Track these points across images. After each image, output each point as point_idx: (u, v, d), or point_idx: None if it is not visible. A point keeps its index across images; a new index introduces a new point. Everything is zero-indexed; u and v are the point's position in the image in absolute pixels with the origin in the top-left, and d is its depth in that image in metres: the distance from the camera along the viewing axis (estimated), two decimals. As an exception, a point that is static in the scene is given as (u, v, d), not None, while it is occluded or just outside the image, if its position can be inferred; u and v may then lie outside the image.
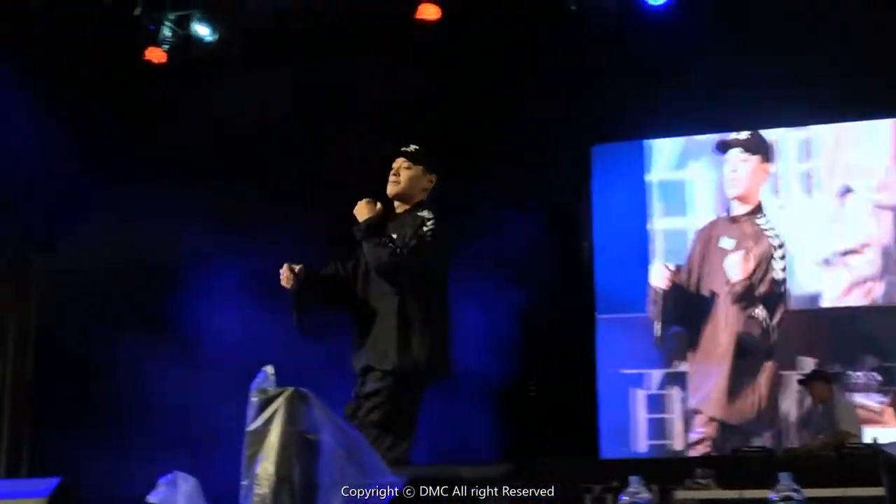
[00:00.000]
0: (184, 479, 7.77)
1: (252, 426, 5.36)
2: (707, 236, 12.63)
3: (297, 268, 5.82)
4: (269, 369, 5.57)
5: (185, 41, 11.51)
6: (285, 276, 5.80)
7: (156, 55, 11.60)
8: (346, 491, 5.28)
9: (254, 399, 5.42)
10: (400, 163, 5.95)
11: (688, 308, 12.51)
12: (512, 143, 12.23)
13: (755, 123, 12.56)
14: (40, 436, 12.42)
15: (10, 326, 12.90)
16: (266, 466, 5.25)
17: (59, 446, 11.41)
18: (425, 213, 5.82)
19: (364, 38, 11.58)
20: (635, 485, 5.21)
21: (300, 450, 5.27)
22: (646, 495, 5.14)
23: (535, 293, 11.98)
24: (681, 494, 8.48)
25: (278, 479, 5.22)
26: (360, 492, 5.29)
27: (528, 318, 11.85)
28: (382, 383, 5.70)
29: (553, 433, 11.82)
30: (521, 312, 11.73)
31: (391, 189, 5.95)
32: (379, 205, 5.87)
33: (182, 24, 11.60)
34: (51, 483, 6.18)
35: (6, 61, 12.50)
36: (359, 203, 5.82)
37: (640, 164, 12.89)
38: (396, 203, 5.98)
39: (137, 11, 11.44)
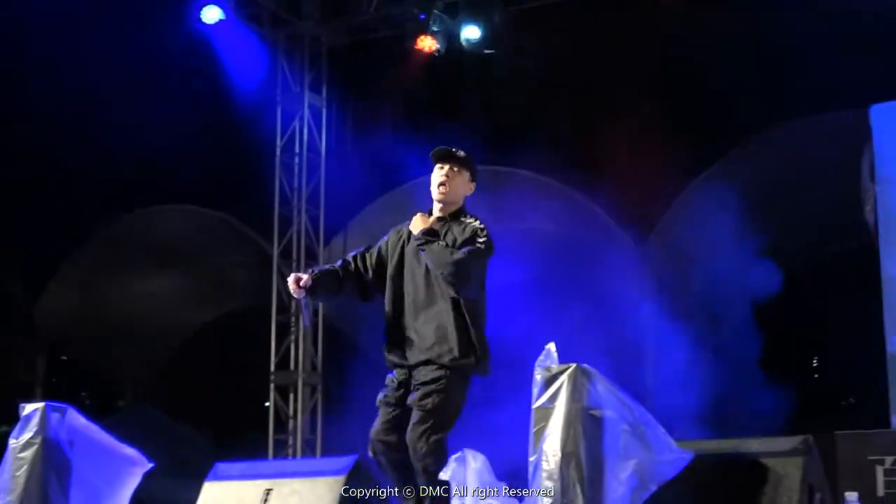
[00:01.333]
0: (473, 455, 7.97)
1: (538, 403, 5.42)
2: None
3: (304, 277, 5.89)
4: (552, 346, 5.62)
5: (453, 30, 11.76)
6: (292, 287, 5.86)
7: (427, 44, 11.88)
8: (633, 465, 5.29)
9: (538, 376, 5.48)
10: (448, 168, 5.92)
11: None
12: (789, 106, 11.92)
13: None
14: (331, 415, 12.91)
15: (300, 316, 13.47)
16: (552, 442, 5.31)
17: (347, 425, 11.85)
18: (476, 223, 5.83)
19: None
20: (933, 455, 5.05)
21: (585, 425, 5.31)
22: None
23: (817, 261, 11.68)
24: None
25: (564, 455, 5.26)
26: (646, 466, 5.30)
27: (808, 287, 11.55)
28: (440, 373, 5.69)
29: (839, 405, 11.49)
30: (803, 282, 11.45)
31: (440, 195, 5.91)
32: (432, 217, 5.87)
33: (450, 12, 11.85)
34: (348, 461, 6.34)
35: (283, 53, 13.07)
36: (414, 217, 5.82)
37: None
38: (437, 208, 5.96)
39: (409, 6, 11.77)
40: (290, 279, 5.86)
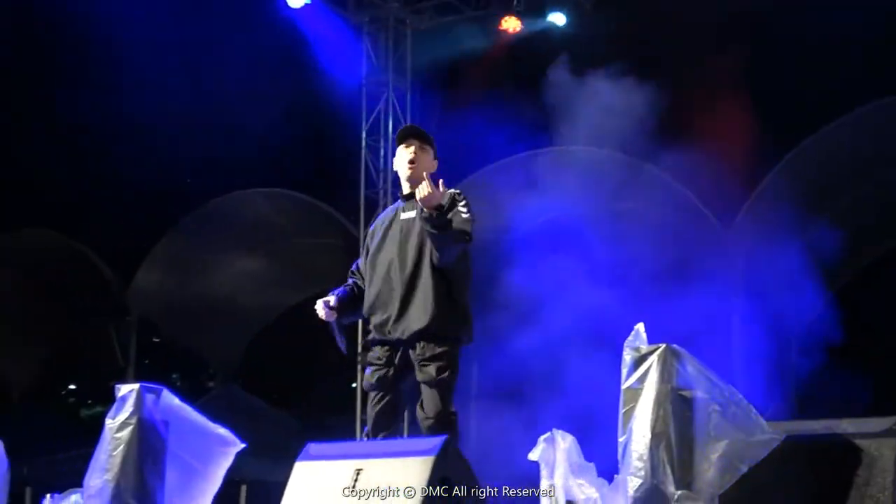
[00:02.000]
0: (562, 436, 7.97)
1: (627, 384, 5.40)
2: None
3: (331, 300, 5.87)
4: (640, 327, 5.59)
5: (539, 9, 11.75)
6: (322, 311, 5.83)
7: (512, 24, 11.89)
8: (723, 446, 5.26)
9: (627, 357, 5.46)
10: (416, 146, 5.95)
11: None
12: (872, 87, 11.73)
13: None
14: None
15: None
16: (642, 423, 5.29)
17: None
18: (452, 189, 5.81)
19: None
20: None
21: (675, 406, 5.28)
22: None
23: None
24: None
25: (654, 436, 5.24)
26: (737, 447, 5.27)
27: (870, 272, 11.40)
28: (445, 347, 5.66)
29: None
30: (891, 262, 11.30)
31: (409, 172, 5.90)
32: (441, 183, 5.81)
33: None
34: (437, 441, 6.40)
35: (368, 36, 13.14)
36: (423, 185, 5.75)
37: None
38: (407, 186, 5.94)
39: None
40: (318, 305, 5.92)
